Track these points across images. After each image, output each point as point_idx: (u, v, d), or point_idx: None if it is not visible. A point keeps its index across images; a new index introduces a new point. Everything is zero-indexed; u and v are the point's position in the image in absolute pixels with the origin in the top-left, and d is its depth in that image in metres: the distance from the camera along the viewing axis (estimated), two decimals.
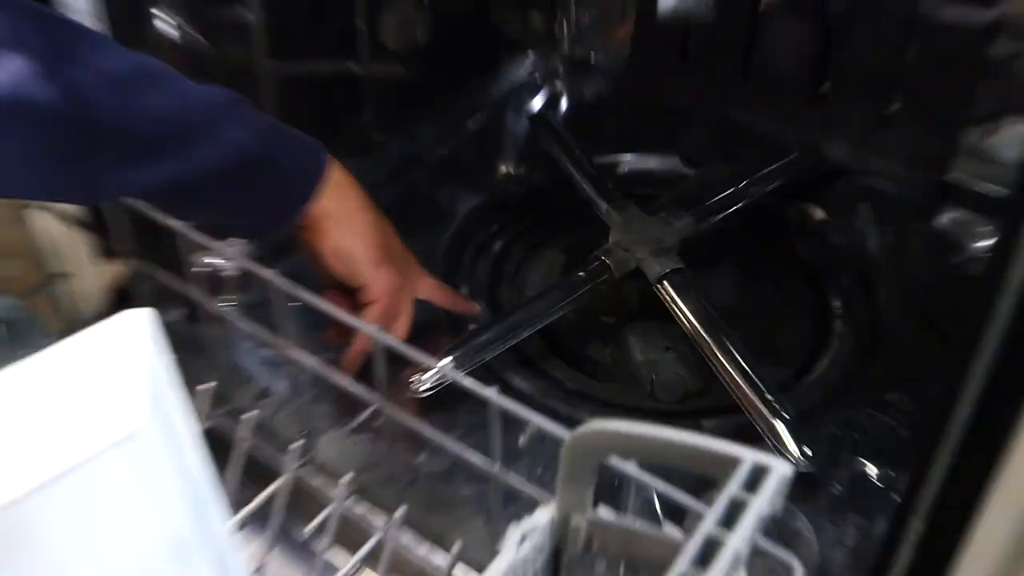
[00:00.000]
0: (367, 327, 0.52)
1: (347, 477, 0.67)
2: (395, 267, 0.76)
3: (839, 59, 1.06)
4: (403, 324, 0.79)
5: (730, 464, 0.36)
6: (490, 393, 0.48)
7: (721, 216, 0.99)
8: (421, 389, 0.78)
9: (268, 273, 0.56)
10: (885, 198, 1.06)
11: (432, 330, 0.89)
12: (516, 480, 0.53)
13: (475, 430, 0.78)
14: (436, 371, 0.78)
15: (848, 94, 1.07)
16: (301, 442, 0.67)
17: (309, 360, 0.60)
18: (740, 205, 1.00)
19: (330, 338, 0.81)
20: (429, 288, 0.84)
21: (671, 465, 0.39)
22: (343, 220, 0.72)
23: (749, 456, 0.36)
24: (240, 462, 0.63)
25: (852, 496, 0.74)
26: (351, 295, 0.77)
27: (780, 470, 0.36)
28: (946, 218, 1.04)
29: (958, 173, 1.06)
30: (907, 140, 1.05)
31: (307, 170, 0.71)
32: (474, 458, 0.53)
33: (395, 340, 0.53)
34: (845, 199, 1.07)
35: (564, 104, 1.24)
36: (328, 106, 1.00)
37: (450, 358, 0.79)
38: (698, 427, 0.84)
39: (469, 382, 0.49)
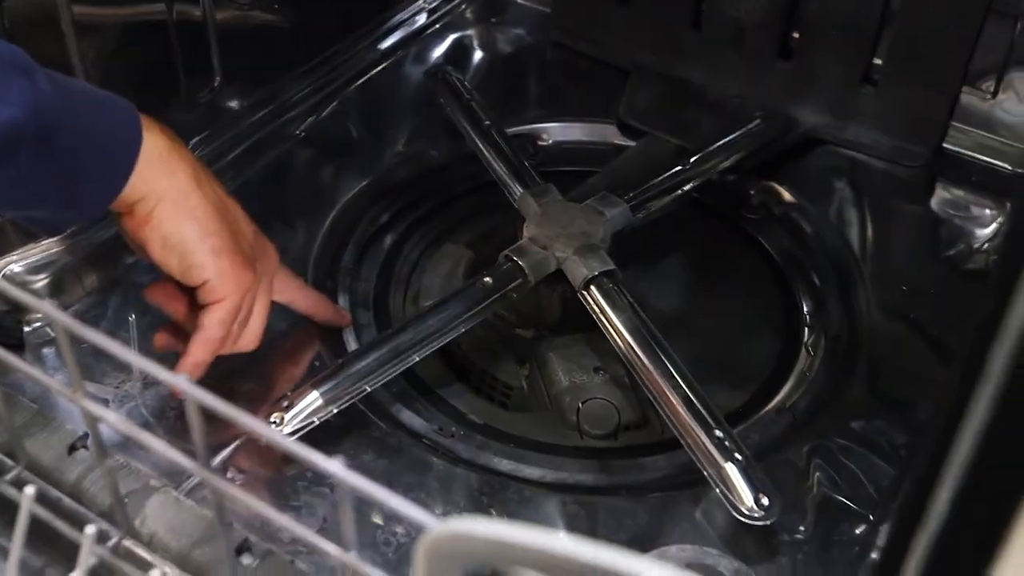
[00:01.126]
0: (171, 376, 0.47)
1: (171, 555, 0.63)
2: (244, 259, 0.72)
3: (810, 4, 1.04)
4: (254, 332, 0.76)
5: None
6: (335, 468, 0.44)
7: (664, 201, 0.96)
8: (282, 432, 0.74)
9: (45, 306, 0.51)
10: (866, 175, 1.05)
11: (301, 343, 0.86)
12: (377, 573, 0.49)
13: (370, 466, 0.76)
14: (301, 409, 0.75)
15: (821, 47, 1.05)
16: (94, 528, 0.63)
17: (110, 415, 0.55)
18: (688, 187, 0.98)
19: (162, 344, 0.78)
20: (289, 288, 0.81)
21: None
22: (171, 201, 0.68)
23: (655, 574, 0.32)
24: (20, 543, 0.58)
25: (822, 554, 0.72)
26: (190, 293, 0.74)
27: None
28: (941, 199, 1.04)
29: (955, 142, 1.06)
30: (893, 102, 1.04)
31: (115, 140, 0.66)
32: (324, 544, 0.49)
33: (209, 396, 0.48)
34: (818, 177, 1.06)
35: (474, 59, 1.21)
36: (162, 65, 0.95)
37: (317, 392, 0.75)
38: (637, 468, 0.81)
39: (305, 450, 0.45)
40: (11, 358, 0.62)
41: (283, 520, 0.50)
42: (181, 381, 0.48)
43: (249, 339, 0.77)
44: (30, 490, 0.58)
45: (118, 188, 0.67)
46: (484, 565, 0.36)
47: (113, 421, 0.56)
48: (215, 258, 0.71)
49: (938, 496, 0.42)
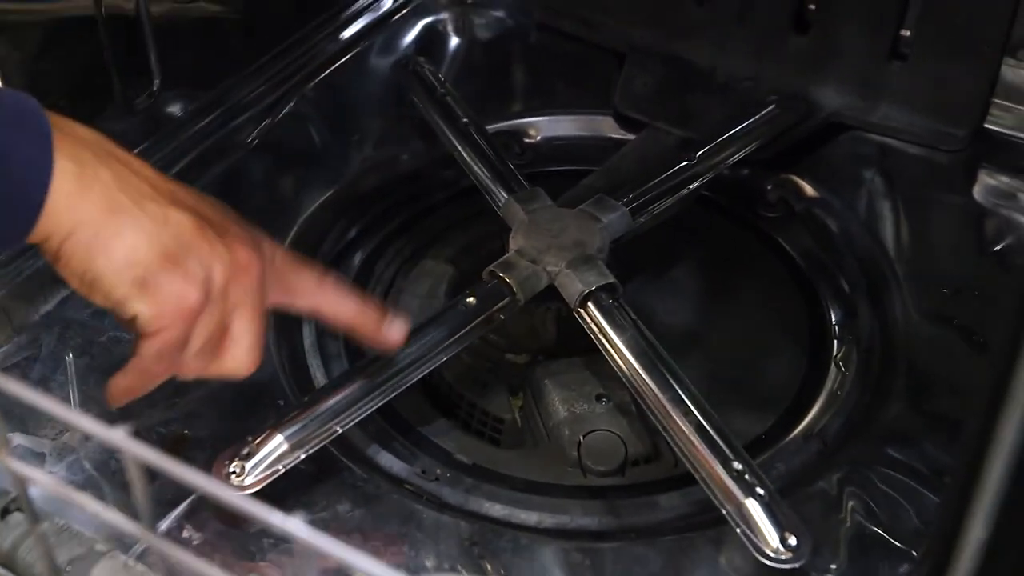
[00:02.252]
0: (106, 431, 0.48)
1: None
2: (186, 282, 0.69)
3: None
4: (240, 356, 0.72)
5: None
6: (295, 528, 0.45)
7: (669, 202, 0.98)
8: (244, 484, 0.75)
9: None
10: (899, 163, 1.07)
11: (261, 378, 0.87)
12: None
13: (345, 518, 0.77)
14: (263, 457, 0.76)
15: (841, 18, 1.07)
16: None
17: (41, 477, 0.56)
18: (695, 185, 1.00)
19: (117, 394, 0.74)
20: (306, 292, 0.74)
21: None
22: (83, 235, 0.67)
23: None
24: None
25: None
26: None
27: None
28: (985, 186, 1.05)
29: (998, 122, 1.08)
30: (925, 79, 1.06)
31: (16, 174, 0.66)
32: None
33: (151, 452, 0.49)
34: (844, 167, 1.07)
35: (449, 47, 1.23)
36: (93, 68, 0.96)
37: (281, 437, 0.76)
38: (648, 507, 0.83)
39: (260, 507, 0.45)
40: None
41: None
42: (118, 436, 0.49)
43: (235, 366, 0.73)
44: None
45: (21, 233, 0.66)
46: None
47: (44, 482, 0.57)
48: (140, 290, 0.69)
49: (971, 529, 0.44)
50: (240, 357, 0.72)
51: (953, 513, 0.44)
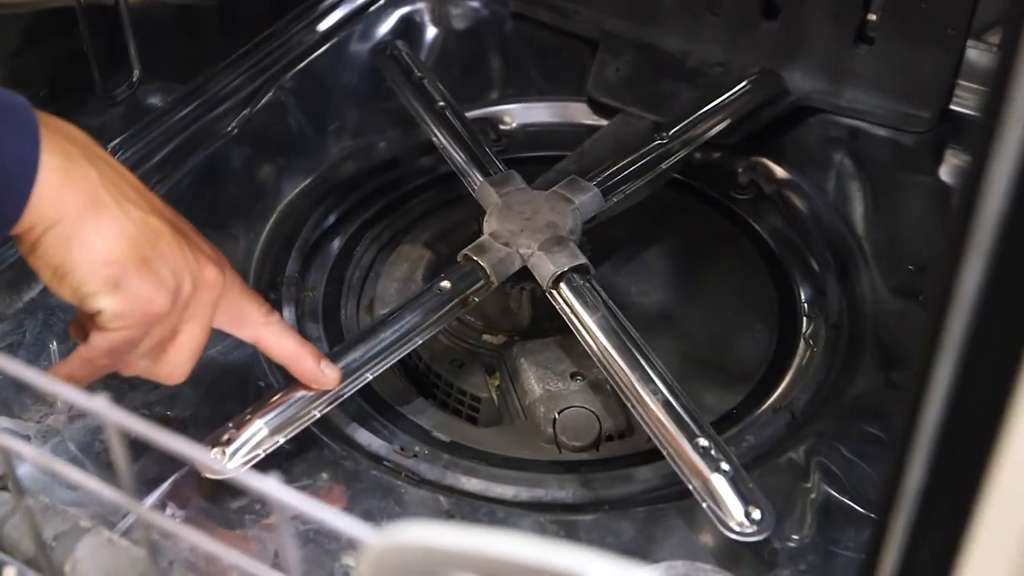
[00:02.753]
0: (88, 400, 0.50)
1: None
2: (156, 288, 0.71)
3: None
4: (175, 365, 0.74)
5: None
6: (271, 487, 0.46)
7: (640, 182, 0.99)
8: (224, 467, 0.76)
9: None
10: (867, 145, 1.08)
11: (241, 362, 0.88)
12: None
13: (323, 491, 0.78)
14: (244, 442, 0.77)
15: (809, 3, 1.08)
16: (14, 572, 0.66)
17: (26, 449, 0.58)
18: (666, 165, 1.01)
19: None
20: (250, 324, 0.77)
21: None
22: (63, 228, 0.68)
23: (596, 572, 0.36)
24: None
25: (826, 563, 0.75)
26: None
27: None
28: (951, 167, 1.07)
29: (963, 103, 1.09)
30: (892, 62, 1.08)
31: (5, 167, 0.67)
32: (266, 573, 0.52)
33: (133, 419, 0.51)
34: (813, 149, 1.09)
35: (426, 36, 1.24)
36: (73, 60, 0.97)
37: (261, 422, 0.78)
38: (621, 480, 0.84)
39: (242, 473, 0.47)
40: None
41: (224, 553, 0.53)
42: (100, 404, 0.51)
43: (170, 371, 0.75)
44: None
45: (7, 222, 0.67)
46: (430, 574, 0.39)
47: (29, 455, 0.59)
48: (112, 288, 0.71)
49: (905, 490, 0.45)
50: (178, 365, 0.74)
51: (895, 461, 0.46)
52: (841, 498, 0.79)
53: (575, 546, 0.36)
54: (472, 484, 0.83)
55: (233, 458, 0.76)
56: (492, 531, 0.39)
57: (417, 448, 0.86)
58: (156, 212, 0.73)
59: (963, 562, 0.44)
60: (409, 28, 1.24)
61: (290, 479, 0.81)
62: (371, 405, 0.90)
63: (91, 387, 0.71)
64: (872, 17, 1.08)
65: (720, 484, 0.75)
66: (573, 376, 0.90)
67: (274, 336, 0.78)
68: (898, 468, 0.45)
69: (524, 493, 0.83)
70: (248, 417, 0.78)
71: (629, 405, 0.81)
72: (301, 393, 0.80)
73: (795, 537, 0.77)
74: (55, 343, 0.89)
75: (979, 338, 0.39)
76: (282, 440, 0.78)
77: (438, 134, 1.04)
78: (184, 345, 0.75)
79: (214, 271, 0.74)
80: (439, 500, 0.80)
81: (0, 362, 0.54)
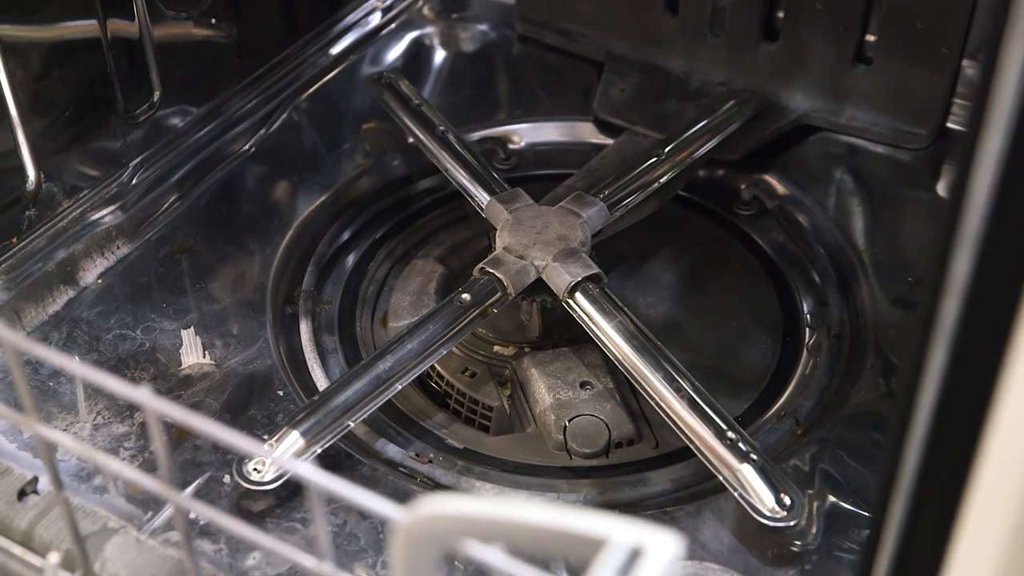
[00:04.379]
0: (131, 390, 0.53)
1: None
2: None
3: None
4: None
5: (595, 547, 0.38)
6: (305, 469, 0.49)
7: (644, 196, 1.02)
8: (263, 480, 0.79)
9: None
10: (866, 161, 1.11)
11: (263, 373, 0.91)
12: None
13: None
14: (281, 454, 0.79)
15: (808, 25, 1.11)
16: (57, 556, 0.68)
17: (68, 440, 0.61)
18: (666, 178, 1.04)
19: None
20: None
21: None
22: None
23: (619, 535, 0.38)
24: None
25: (831, 564, 0.78)
26: None
27: (661, 552, 0.38)
28: (948, 182, 1.09)
29: (960, 121, 1.11)
30: (889, 81, 1.10)
31: None
32: (298, 556, 0.54)
33: (175, 408, 0.53)
34: (813, 166, 1.12)
35: (435, 59, 1.27)
36: (97, 83, 1.00)
37: (297, 433, 0.80)
38: (631, 485, 0.87)
39: (277, 451, 0.50)
40: None
41: (262, 539, 0.56)
42: (143, 395, 0.54)
43: None
44: None
45: None
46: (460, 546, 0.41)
47: (70, 445, 0.62)
48: None
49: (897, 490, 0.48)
50: None
51: (892, 449, 0.48)
52: (845, 503, 0.81)
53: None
54: (487, 489, 0.85)
55: (271, 470, 0.78)
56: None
57: (432, 454, 0.88)
58: None
59: (954, 550, 0.47)
60: (419, 51, 1.26)
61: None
62: (386, 413, 0.91)
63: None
64: (870, 38, 1.10)
65: (751, 474, 0.77)
66: (582, 385, 0.92)
67: None
68: (894, 456, 0.48)
69: (537, 497, 0.85)
70: (283, 429, 0.80)
71: (655, 405, 0.83)
72: (333, 405, 0.82)
73: (801, 537, 0.79)
74: (77, 356, 0.91)
75: (969, 323, 0.42)
76: (318, 451, 0.81)
77: (441, 158, 1.06)
78: None
79: None
80: None
81: (43, 353, 0.57)
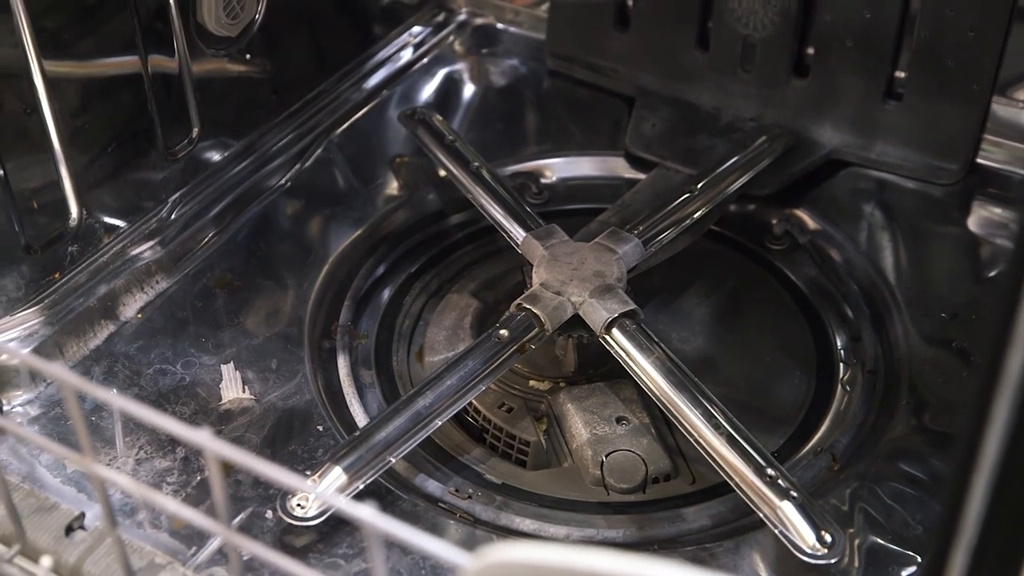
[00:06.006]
0: (194, 434, 0.53)
1: None
2: None
3: (824, 16, 1.11)
4: None
5: None
6: (366, 514, 0.49)
7: (678, 232, 1.02)
8: (306, 516, 0.79)
9: (56, 369, 0.57)
10: (897, 196, 1.11)
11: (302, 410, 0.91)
12: None
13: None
14: (325, 489, 0.79)
15: (838, 61, 1.12)
16: None
17: (123, 479, 0.61)
18: (699, 214, 1.04)
19: None
20: None
21: None
22: None
23: None
24: None
25: None
26: None
27: None
28: (979, 218, 1.10)
29: (989, 156, 1.12)
30: (919, 117, 1.10)
31: None
32: None
33: (240, 452, 0.54)
34: (844, 201, 1.12)
35: (466, 94, 1.28)
36: (137, 118, 1.01)
37: (339, 468, 0.80)
38: (669, 520, 0.87)
39: (337, 498, 0.50)
40: (20, 428, 0.68)
41: (305, 572, 0.56)
42: (203, 437, 0.54)
43: None
44: (47, 561, 0.62)
45: None
46: None
47: (124, 483, 0.62)
48: None
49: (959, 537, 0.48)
50: None
51: (951, 499, 0.48)
52: (883, 540, 0.81)
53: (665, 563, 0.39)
54: (526, 524, 0.85)
55: (314, 505, 0.78)
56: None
57: (471, 489, 0.88)
58: None
59: None
60: (450, 86, 1.27)
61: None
62: (425, 448, 0.92)
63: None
64: (900, 74, 1.11)
65: (791, 511, 0.77)
66: (619, 420, 0.92)
67: None
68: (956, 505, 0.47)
69: (576, 533, 0.85)
70: (326, 464, 0.80)
71: (693, 441, 0.84)
72: (374, 441, 0.82)
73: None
74: (115, 390, 0.92)
75: None
76: (361, 486, 0.81)
77: (475, 194, 1.06)
78: None
79: None
80: (493, 539, 0.83)
81: (103, 395, 0.57)
